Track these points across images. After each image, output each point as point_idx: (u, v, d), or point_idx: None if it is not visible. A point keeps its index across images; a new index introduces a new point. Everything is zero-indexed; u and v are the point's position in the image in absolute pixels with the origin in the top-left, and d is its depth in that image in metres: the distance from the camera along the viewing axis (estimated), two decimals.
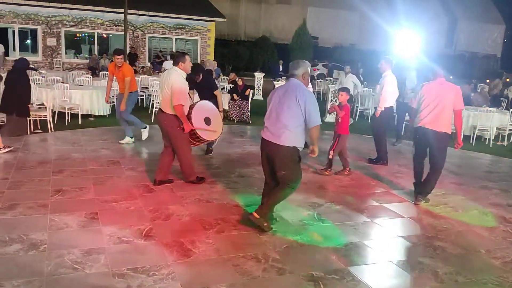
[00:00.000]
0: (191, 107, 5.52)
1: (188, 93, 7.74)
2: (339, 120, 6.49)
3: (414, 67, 9.85)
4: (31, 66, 9.26)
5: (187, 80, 5.49)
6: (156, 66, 18.60)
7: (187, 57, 5.37)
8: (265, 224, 4.29)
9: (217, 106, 6.35)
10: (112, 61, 7.85)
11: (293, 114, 4.10)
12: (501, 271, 3.81)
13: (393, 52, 15.96)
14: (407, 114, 8.75)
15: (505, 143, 10.19)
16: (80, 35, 20.51)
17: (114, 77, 7.66)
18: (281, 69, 21.86)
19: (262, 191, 4.65)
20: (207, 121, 5.62)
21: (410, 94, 8.06)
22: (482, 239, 4.52)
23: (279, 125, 4.14)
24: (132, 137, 7.78)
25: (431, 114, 5.27)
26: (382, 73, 7.20)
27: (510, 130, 10.06)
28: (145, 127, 7.98)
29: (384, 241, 4.35)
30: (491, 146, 9.83)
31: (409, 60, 8.70)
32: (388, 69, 7.16)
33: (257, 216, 4.26)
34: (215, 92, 6.89)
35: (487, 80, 22.48)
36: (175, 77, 5.23)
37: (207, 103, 5.85)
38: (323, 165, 6.67)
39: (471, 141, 9.78)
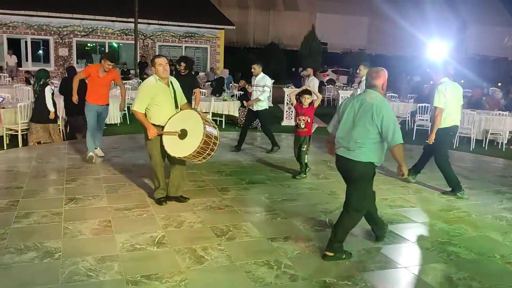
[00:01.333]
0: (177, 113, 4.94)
1: (194, 91, 7.87)
2: (308, 122, 6.37)
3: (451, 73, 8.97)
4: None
5: (174, 73, 5.57)
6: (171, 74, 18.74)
7: (157, 60, 4.83)
8: (344, 257, 3.93)
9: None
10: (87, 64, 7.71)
11: (367, 132, 3.68)
12: None
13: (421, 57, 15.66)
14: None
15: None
16: (91, 44, 20.76)
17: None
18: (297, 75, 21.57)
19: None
20: (183, 134, 4.71)
21: None
22: (496, 244, 4.47)
23: (352, 141, 3.75)
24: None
25: (459, 113, 6.01)
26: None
27: None
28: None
29: (397, 247, 4.32)
30: (503, 150, 9.72)
31: (445, 66, 8.10)
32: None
33: (331, 254, 3.89)
34: (194, 90, 7.36)
35: (499, 84, 22.28)
36: (143, 82, 5.19)
37: (192, 114, 4.82)
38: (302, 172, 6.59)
39: (483, 145, 9.69)
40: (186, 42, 21.57)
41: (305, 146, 6.44)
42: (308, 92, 6.55)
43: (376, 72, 3.82)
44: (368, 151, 3.70)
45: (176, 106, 4.95)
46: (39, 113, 7.89)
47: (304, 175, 6.55)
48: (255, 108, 7.93)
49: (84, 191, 5.50)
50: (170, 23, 20.62)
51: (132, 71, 18.36)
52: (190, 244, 4.11)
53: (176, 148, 4.73)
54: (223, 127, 11.03)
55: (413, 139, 10.05)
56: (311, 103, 6.46)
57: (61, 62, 19.44)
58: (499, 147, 9.86)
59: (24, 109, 7.98)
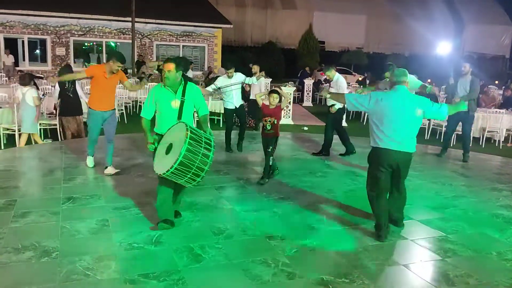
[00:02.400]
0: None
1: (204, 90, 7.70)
2: (275, 123, 6.07)
3: (468, 71, 7.97)
4: (37, 75, 9.61)
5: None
6: None
7: (164, 64, 4.37)
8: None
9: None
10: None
11: (417, 123, 4.33)
12: None
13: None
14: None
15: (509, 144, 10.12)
16: (89, 44, 20.74)
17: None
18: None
19: (381, 206, 4.41)
20: (168, 149, 4.12)
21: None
22: (493, 241, 4.49)
23: (404, 134, 4.25)
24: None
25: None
26: (465, 75, 7.70)
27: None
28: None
29: (394, 244, 4.33)
30: (500, 147, 9.76)
31: (465, 65, 7.90)
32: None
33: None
34: None
35: (496, 82, 22.33)
36: None
37: (181, 128, 4.09)
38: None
39: (480, 143, 9.72)
40: (184, 41, 21.54)
41: (271, 148, 6.07)
42: (276, 91, 6.20)
43: (403, 71, 4.43)
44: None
45: (180, 117, 4.35)
46: (73, 107, 8.39)
47: (267, 180, 6.10)
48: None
49: (82, 190, 5.50)
50: (168, 22, 20.59)
51: (129, 70, 18.34)
52: (187, 242, 4.11)
53: (158, 162, 4.17)
54: (221, 125, 11.03)
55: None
56: (279, 104, 6.10)
57: (58, 62, 19.39)
58: (496, 144, 9.89)
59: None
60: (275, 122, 6.06)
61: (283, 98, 6.28)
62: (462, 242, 4.42)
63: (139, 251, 3.93)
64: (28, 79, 8.19)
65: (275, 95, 6.06)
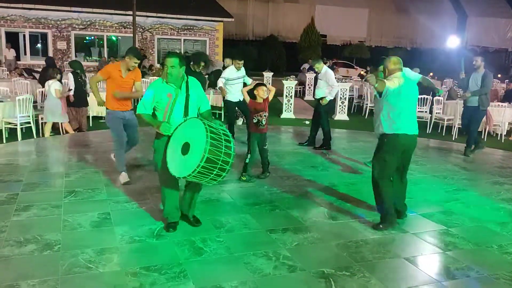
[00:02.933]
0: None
1: (219, 88, 7.63)
2: (267, 117, 5.86)
3: (480, 66, 7.81)
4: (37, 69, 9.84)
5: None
6: None
7: (165, 59, 4.05)
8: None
9: None
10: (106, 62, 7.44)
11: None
12: None
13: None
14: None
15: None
16: (92, 37, 20.69)
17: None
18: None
19: (391, 192, 4.46)
20: (185, 149, 3.77)
21: (471, 98, 7.67)
22: (494, 235, 4.49)
23: (415, 117, 4.51)
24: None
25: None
26: (477, 69, 7.69)
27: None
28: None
29: (395, 237, 4.34)
30: (503, 141, 9.74)
31: (476, 59, 7.81)
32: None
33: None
34: None
35: (499, 75, 22.24)
36: None
37: (197, 124, 3.79)
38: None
39: (482, 137, 9.69)
40: (185, 35, 21.49)
41: (267, 143, 6.00)
42: (263, 84, 6.03)
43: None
44: None
45: (186, 114, 4.08)
46: (85, 98, 8.95)
47: (268, 173, 6.09)
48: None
49: (84, 184, 5.51)
50: (169, 15, 20.53)
51: None
52: (189, 236, 4.13)
53: (177, 165, 3.80)
54: (223, 119, 11.02)
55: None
56: (266, 97, 5.86)
57: (60, 56, 19.38)
58: (498, 138, 9.86)
59: (23, 102, 7.98)
60: (267, 116, 5.89)
61: (269, 91, 5.98)
62: (463, 235, 4.43)
63: (140, 244, 3.94)
64: (53, 73, 8.64)
65: (264, 88, 5.86)
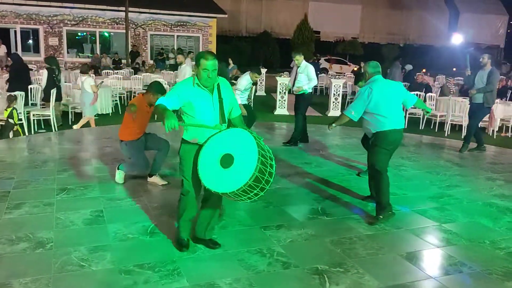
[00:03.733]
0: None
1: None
2: None
3: (486, 63, 7.79)
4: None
5: None
6: (159, 64, 18.62)
7: (203, 62, 3.44)
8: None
9: None
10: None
11: (401, 102, 4.88)
12: (505, 262, 3.82)
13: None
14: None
15: (509, 134, 10.15)
16: (85, 33, 20.52)
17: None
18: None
19: (387, 184, 4.66)
20: (226, 161, 3.33)
21: (476, 95, 7.67)
22: (487, 230, 4.52)
23: (400, 113, 4.80)
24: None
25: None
26: (484, 66, 7.69)
27: (485, 121, 9.98)
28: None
29: (388, 233, 4.35)
30: (495, 137, 9.80)
31: (483, 56, 7.79)
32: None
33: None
34: None
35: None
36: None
37: (245, 136, 3.36)
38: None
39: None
40: (178, 31, 21.41)
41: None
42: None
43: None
44: None
45: (223, 121, 3.60)
46: (60, 93, 9.12)
47: None
48: None
49: (76, 181, 5.48)
50: (162, 11, 20.43)
51: (123, 61, 18.22)
52: None
53: (214, 178, 3.36)
54: None
55: (405, 127, 10.07)
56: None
57: (52, 52, 19.23)
58: (490, 134, 9.92)
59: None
60: None
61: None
62: (456, 231, 4.45)
63: (134, 241, 3.92)
64: (86, 68, 9.32)
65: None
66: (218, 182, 3.32)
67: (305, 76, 7.76)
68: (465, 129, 8.80)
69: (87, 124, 8.86)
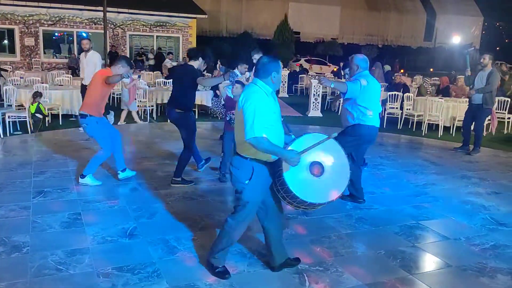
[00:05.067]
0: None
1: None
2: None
3: (487, 64, 7.79)
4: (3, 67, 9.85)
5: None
6: (138, 64, 18.43)
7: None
8: None
9: None
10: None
11: None
12: (480, 258, 3.91)
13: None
14: None
15: (484, 133, 10.38)
16: (62, 33, 20.17)
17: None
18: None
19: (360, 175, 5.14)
20: (316, 170, 3.15)
21: (475, 96, 7.78)
22: (462, 227, 4.62)
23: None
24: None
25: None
26: (485, 67, 7.71)
27: (488, 120, 10.25)
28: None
29: (366, 232, 4.41)
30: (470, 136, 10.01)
31: (484, 56, 7.79)
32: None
33: None
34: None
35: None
36: (250, 97, 3.48)
37: (333, 144, 3.27)
38: None
39: (451, 132, 9.95)
40: (158, 31, 21.23)
41: None
42: (240, 82, 5.82)
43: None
44: None
45: (288, 129, 3.46)
46: None
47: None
48: None
49: (53, 183, 5.39)
50: (141, 12, 20.23)
51: (102, 61, 17.95)
52: (162, 235, 4.09)
53: (313, 189, 3.13)
54: (197, 117, 10.96)
55: (384, 126, 10.21)
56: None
57: (28, 52, 18.85)
58: (494, 134, 10.12)
59: None
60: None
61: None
62: (433, 228, 4.54)
63: (113, 244, 3.88)
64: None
65: (239, 85, 5.64)
66: (321, 193, 3.15)
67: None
68: (455, 129, 8.92)
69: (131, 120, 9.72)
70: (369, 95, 4.82)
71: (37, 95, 8.69)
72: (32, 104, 8.57)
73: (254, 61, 7.46)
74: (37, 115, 8.53)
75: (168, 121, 5.86)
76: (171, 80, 5.96)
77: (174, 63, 18.07)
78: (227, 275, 3.39)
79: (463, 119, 8.55)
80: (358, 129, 4.86)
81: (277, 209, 3.41)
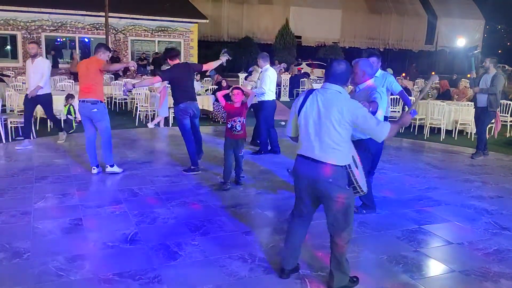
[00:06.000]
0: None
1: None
2: (243, 123, 5.60)
3: (489, 67, 7.83)
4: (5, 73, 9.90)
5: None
6: (140, 69, 18.47)
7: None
8: None
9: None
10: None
11: None
12: (483, 262, 3.88)
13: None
14: None
15: (487, 136, 10.35)
16: (64, 39, 20.24)
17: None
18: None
19: None
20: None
21: (480, 99, 7.77)
22: (465, 232, 4.60)
23: None
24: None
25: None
26: (487, 70, 7.73)
27: (491, 123, 10.22)
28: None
29: (369, 237, 4.39)
30: (472, 140, 9.97)
31: (485, 60, 7.79)
32: None
33: None
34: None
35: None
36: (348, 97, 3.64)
37: None
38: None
39: (453, 136, 9.93)
40: (159, 36, 21.29)
41: (242, 150, 5.74)
42: (238, 88, 5.78)
43: None
44: None
45: None
46: None
47: (240, 184, 5.82)
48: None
49: (54, 189, 5.38)
50: (142, 17, 20.30)
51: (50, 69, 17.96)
52: (163, 240, 4.07)
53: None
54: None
55: None
56: (244, 102, 5.61)
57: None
58: (468, 136, 10.10)
59: None
60: (244, 122, 5.59)
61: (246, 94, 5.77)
62: (435, 232, 4.51)
63: (113, 250, 3.87)
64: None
65: (238, 91, 5.61)
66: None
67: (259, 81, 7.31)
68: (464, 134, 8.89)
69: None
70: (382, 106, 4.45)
71: (69, 97, 9.01)
72: (65, 106, 8.94)
73: (260, 65, 7.50)
74: (69, 116, 8.91)
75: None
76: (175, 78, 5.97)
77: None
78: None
79: (474, 124, 8.47)
80: (365, 144, 4.44)
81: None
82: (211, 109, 11.11)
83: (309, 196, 3.27)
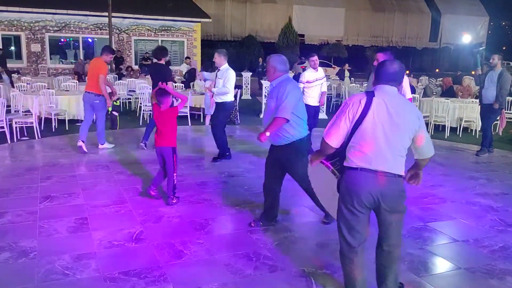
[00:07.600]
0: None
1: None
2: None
3: (496, 64, 7.72)
4: None
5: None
6: (144, 69, 18.51)
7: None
8: None
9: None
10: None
11: None
12: (489, 259, 3.87)
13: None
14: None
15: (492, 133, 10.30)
16: (67, 39, 20.31)
17: None
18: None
19: None
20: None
21: (487, 95, 7.72)
22: (470, 229, 4.58)
23: None
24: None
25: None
26: (494, 67, 7.58)
27: (496, 120, 10.18)
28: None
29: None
30: (477, 137, 9.94)
31: (493, 56, 7.68)
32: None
33: None
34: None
35: (472, 72, 22.73)
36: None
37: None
38: None
39: (458, 133, 9.89)
40: (162, 36, 21.32)
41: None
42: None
43: None
44: None
45: None
46: None
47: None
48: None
49: (60, 188, 5.41)
50: (145, 16, 20.33)
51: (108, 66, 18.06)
52: (168, 238, 4.09)
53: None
54: (201, 121, 10.97)
55: None
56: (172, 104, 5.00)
57: (34, 58, 19.00)
58: (473, 134, 10.07)
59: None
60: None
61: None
62: (441, 230, 4.50)
63: (119, 248, 3.88)
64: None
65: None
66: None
67: (223, 81, 6.64)
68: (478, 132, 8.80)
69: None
70: None
71: (112, 94, 8.69)
72: (115, 102, 9.06)
73: (220, 63, 6.78)
74: (114, 113, 9.08)
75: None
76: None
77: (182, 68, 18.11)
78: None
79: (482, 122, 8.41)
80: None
81: None
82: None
83: (367, 213, 3.05)
